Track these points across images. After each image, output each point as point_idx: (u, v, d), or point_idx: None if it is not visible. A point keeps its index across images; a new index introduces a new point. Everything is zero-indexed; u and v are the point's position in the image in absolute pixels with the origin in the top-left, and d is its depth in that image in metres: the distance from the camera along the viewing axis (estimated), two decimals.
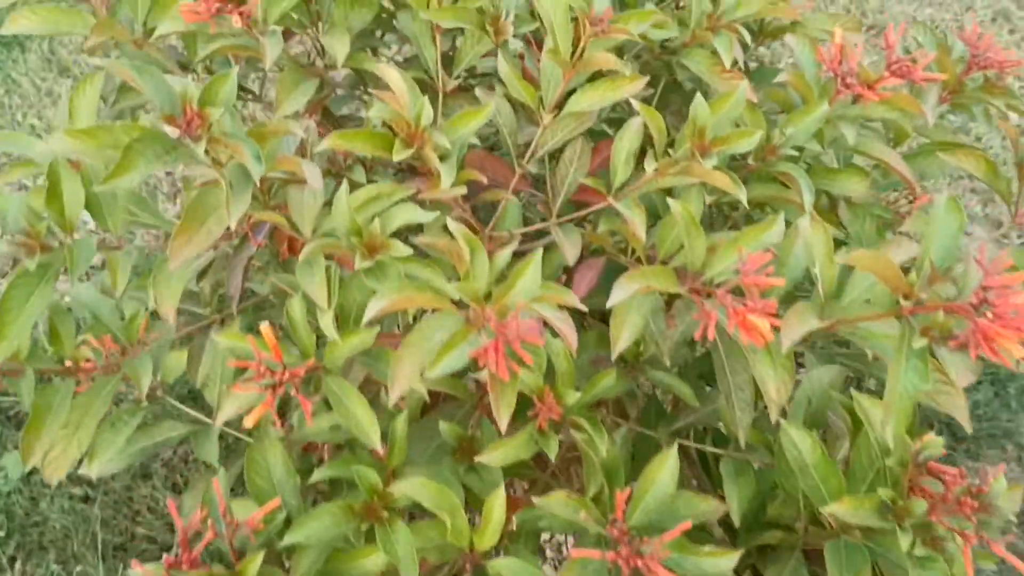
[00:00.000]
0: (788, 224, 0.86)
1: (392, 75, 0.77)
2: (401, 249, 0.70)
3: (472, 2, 0.95)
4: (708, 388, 1.06)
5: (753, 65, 1.38)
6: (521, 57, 0.98)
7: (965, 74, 1.11)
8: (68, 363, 0.87)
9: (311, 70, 1.00)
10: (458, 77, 0.97)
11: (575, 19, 0.86)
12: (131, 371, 0.88)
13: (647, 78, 0.85)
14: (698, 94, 0.80)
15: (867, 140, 1.00)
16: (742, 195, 0.78)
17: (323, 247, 0.72)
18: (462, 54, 0.97)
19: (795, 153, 0.90)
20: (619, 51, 0.96)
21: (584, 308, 0.69)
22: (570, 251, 0.83)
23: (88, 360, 0.85)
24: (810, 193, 0.87)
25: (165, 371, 1.08)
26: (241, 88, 1.19)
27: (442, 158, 0.76)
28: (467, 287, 0.66)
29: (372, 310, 0.66)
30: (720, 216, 1.09)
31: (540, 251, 0.66)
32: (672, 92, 1.11)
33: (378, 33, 1.11)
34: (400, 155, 0.74)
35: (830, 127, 0.95)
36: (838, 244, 1.02)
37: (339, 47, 0.91)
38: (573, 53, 0.85)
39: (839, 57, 0.96)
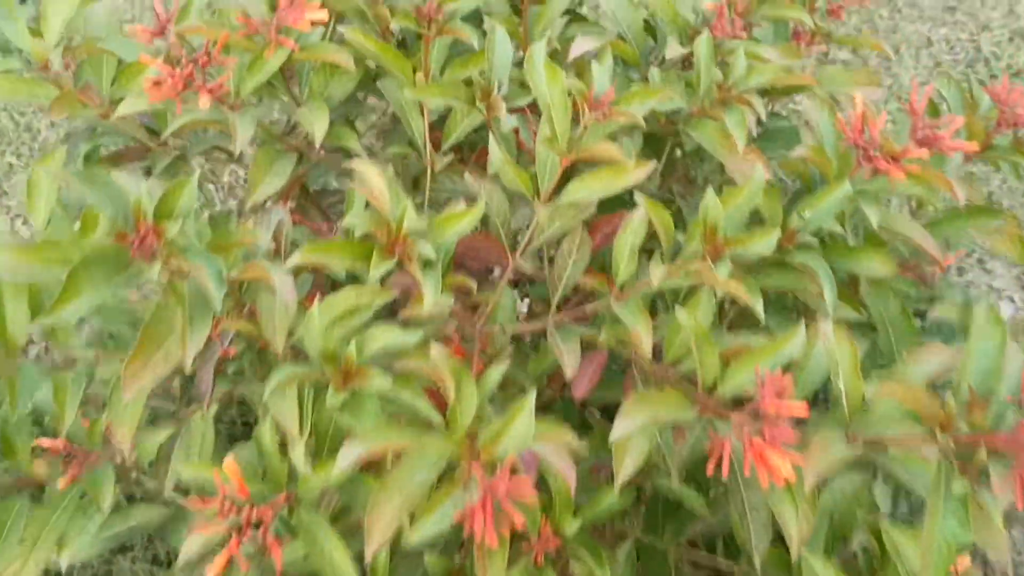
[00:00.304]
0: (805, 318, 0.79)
1: (372, 174, 0.69)
2: (379, 381, 0.63)
3: (460, 72, 0.87)
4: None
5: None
6: (516, 132, 0.90)
7: (994, 131, 1.04)
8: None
9: (288, 142, 0.92)
10: (447, 153, 0.90)
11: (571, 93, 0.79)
12: (91, 485, 0.81)
13: (652, 164, 0.77)
14: (709, 189, 0.72)
15: (888, 213, 0.92)
16: (758, 306, 0.71)
17: (293, 378, 0.65)
18: (451, 128, 0.89)
19: (813, 241, 0.82)
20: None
21: (580, 450, 0.62)
22: (569, 360, 0.75)
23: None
24: (831, 289, 0.80)
25: (141, 452, 1.01)
26: (218, 147, 1.12)
27: (426, 264, 0.69)
28: (452, 437, 0.59)
29: (346, 459, 0.59)
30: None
31: (532, 394, 0.59)
32: (679, 154, 1.04)
33: (360, 94, 1.03)
34: (379, 268, 0.67)
35: (849, 203, 0.87)
36: (859, 328, 0.95)
37: (317, 124, 0.84)
38: (572, 130, 0.77)
39: (860, 127, 0.88)
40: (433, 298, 0.65)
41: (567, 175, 0.81)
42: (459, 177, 0.91)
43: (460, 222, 0.70)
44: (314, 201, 0.94)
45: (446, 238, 0.70)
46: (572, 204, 0.78)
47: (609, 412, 1.05)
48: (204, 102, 0.79)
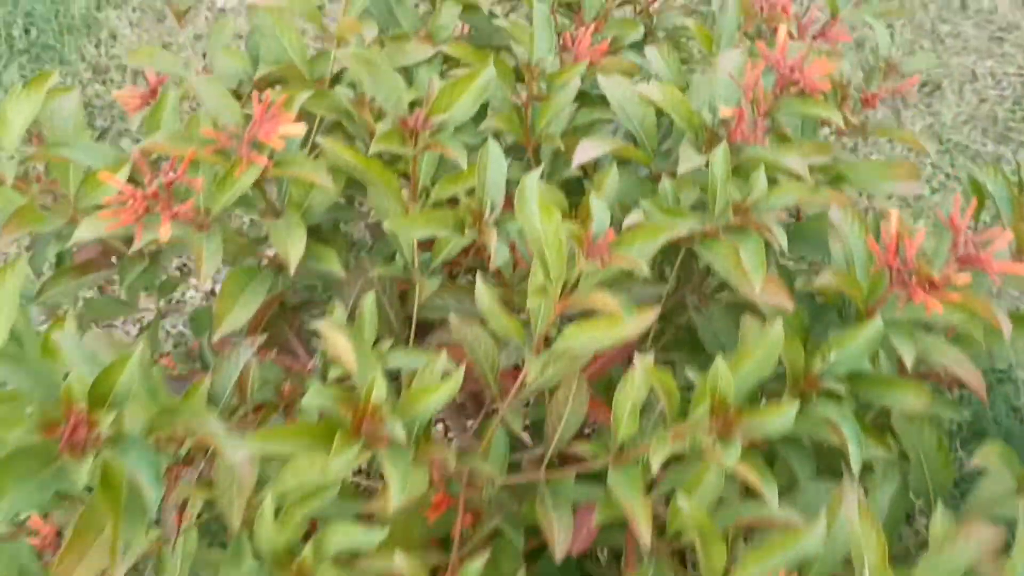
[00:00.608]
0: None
1: (340, 342, 0.62)
2: None
3: (449, 189, 0.80)
4: None
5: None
6: (513, 247, 0.82)
7: None
8: None
9: (263, 253, 0.85)
10: (434, 273, 0.82)
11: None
12: None
13: (656, 311, 0.69)
14: (718, 358, 0.64)
15: (924, 340, 0.83)
16: (772, 493, 0.62)
17: None
18: (439, 249, 0.81)
19: (839, 389, 0.73)
20: None
21: None
22: (560, 535, 0.68)
23: None
24: (858, 447, 0.71)
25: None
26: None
27: (395, 448, 0.61)
28: None
29: None
30: None
31: None
32: (692, 260, 0.95)
33: (350, 193, 0.95)
34: (342, 455, 0.59)
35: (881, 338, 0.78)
36: (893, 469, 0.86)
37: (292, 248, 0.76)
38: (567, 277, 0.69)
39: (895, 248, 0.79)
40: (400, 495, 0.58)
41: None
42: (448, 295, 0.84)
43: (434, 395, 0.62)
44: (291, 321, 0.87)
45: (419, 413, 0.62)
46: (566, 353, 0.70)
47: (614, 551, 0.97)
48: (164, 232, 0.72)
